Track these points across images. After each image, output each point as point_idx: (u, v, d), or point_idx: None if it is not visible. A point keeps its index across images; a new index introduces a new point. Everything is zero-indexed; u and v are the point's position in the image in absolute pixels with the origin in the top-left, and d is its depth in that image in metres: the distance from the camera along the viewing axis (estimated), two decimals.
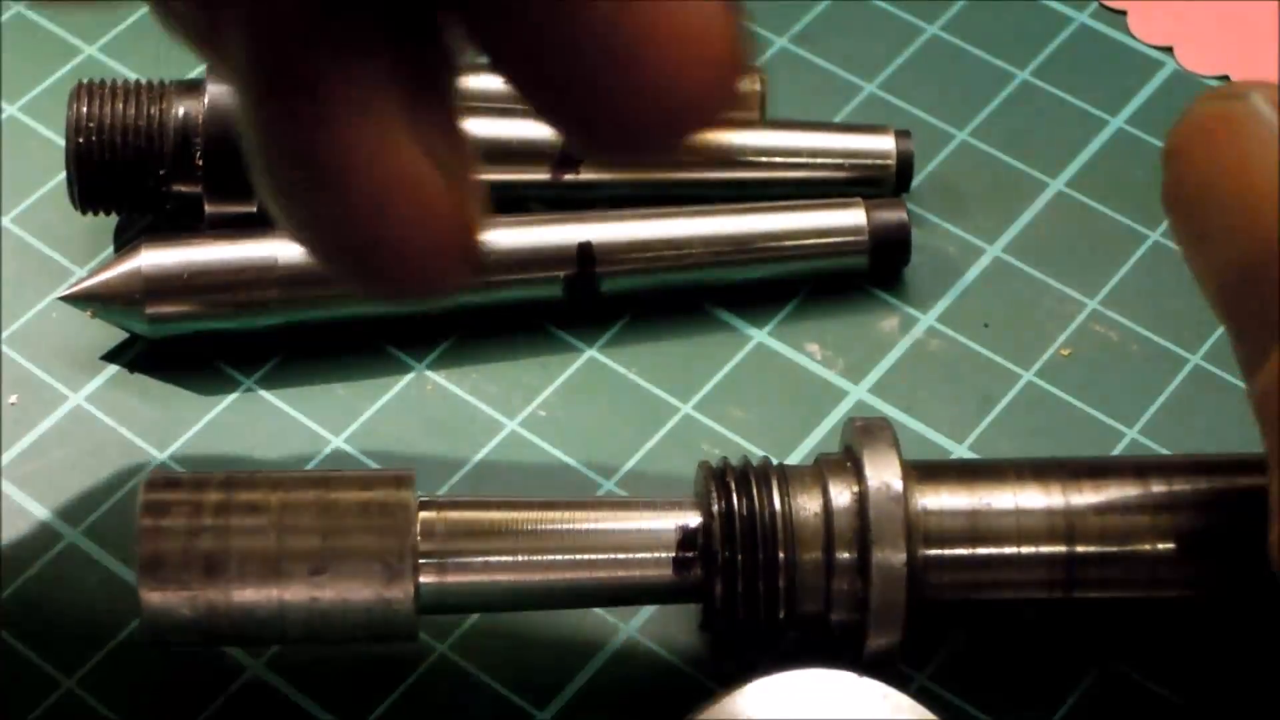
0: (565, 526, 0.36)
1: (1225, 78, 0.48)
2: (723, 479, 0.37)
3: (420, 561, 0.35)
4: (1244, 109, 0.32)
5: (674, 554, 0.36)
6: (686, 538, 0.36)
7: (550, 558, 0.36)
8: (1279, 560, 0.31)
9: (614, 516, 0.36)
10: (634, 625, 0.39)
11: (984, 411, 0.42)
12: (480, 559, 0.36)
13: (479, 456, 0.41)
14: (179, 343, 0.42)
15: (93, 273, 0.42)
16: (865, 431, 0.37)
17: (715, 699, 0.34)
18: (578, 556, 0.36)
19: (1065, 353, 0.43)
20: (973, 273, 0.44)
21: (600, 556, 0.36)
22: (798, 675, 0.34)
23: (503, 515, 0.36)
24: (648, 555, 0.36)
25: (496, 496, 0.37)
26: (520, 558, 0.36)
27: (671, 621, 0.39)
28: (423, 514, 0.36)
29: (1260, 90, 0.32)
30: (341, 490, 0.36)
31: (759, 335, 0.43)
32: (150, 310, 0.41)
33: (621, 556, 0.36)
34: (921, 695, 0.37)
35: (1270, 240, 0.31)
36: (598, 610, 0.39)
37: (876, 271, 0.44)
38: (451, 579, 0.36)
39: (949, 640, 0.39)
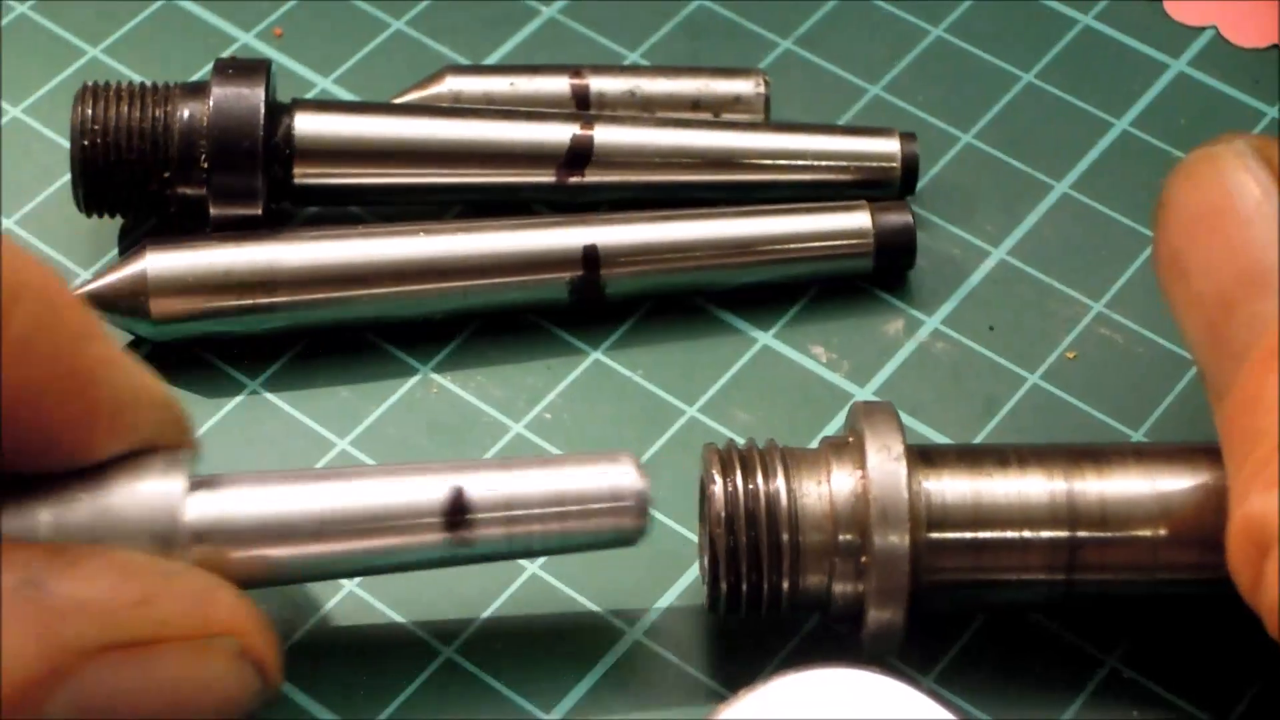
0: (340, 496, 0.36)
1: (1214, 28, 0.48)
2: (727, 460, 0.37)
3: (194, 544, 0.35)
4: (1228, 151, 0.35)
5: (443, 517, 0.36)
6: (455, 500, 0.36)
7: (327, 528, 0.36)
8: (1236, 556, 0.33)
9: (382, 483, 0.36)
10: (640, 628, 0.39)
11: (989, 414, 0.42)
12: (257, 530, 0.36)
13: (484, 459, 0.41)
14: (184, 345, 0.42)
15: (98, 275, 0.42)
16: (869, 415, 0.37)
17: (736, 697, 0.34)
18: (351, 527, 0.36)
19: (1070, 355, 0.43)
20: (978, 275, 0.44)
21: (372, 525, 0.36)
22: (817, 674, 0.34)
23: (280, 488, 0.36)
24: (417, 521, 0.36)
25: (277, 471, 0.37)
26: (299, 535, 0.36)
27: (679, 625, 0.39)
28: (194, 494, 0.35)
29: (1245, 138, 0.35)
30: (112, 470, 0.35)
31: (764, 338, 0.43)
32: (155, 313, 0.41)
33: (390, 523, 0.36)
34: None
35: (1244, 272, 0.34)
36: (604, 613, 0.39)
37: (881, 274, 0.44)
38: (231, 554, 0.36)
39: (955, 643, 0.39)
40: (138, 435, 0.35)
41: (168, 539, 0.35)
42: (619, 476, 0.36)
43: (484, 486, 0.36)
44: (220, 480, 0.36)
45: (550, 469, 0.36)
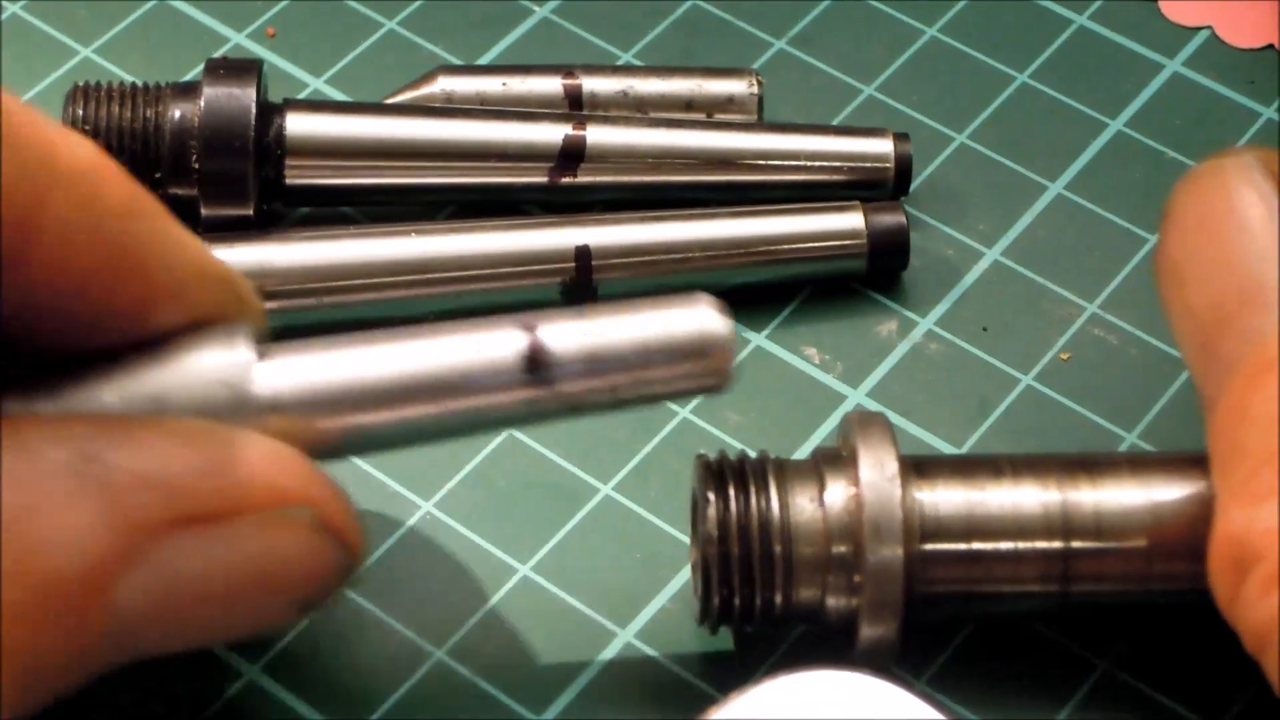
0: (415, 356, 0.35)
1: (1209, 28, 0.48)
2: (719, 473, 0.37)
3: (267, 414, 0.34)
4: (1234, 164, 0.35)
5: (523, 373, 0.34)
6: (534, 353, 0.34)
7: (405, 391, 0.34)
8: (1216, 571, 0.33)
9: (456, 340, 0.35)
10: (631, 630, 0.39)
11: (983, 416, 0.42)
12: (333, 397, 0.34)
13: (475, 461, 0.41)
14: None
15: None
16: (862, 425, 0.37)
17: (727, 700, 0.33)
18: (429, 388, 0.34)
19: (1064, 357, 0.43)
20: (971, 276, 0.44)
21: (451, 385, 0.34)
22: (809, 677, 0.33)
23: (351, 351, 0.35)
24: (497, 378, 0.34)
25: (344, 335, 0.35)
26: (376, 400, 0.34)
27: (670, 626, 0.39)
28: (264, 362, 0.34)
29: (1254, 151, 0.35)
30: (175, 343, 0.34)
31: (757, 339, 0.43)
32: None
33: (470, 382, 0.34)
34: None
35: (1240, 285, 0.34)
36: (596, 616, 0.39)
37: (875, 275, 0.43)
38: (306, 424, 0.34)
39: (948, 646, 0.38)
40: (199, 311, 0.33)
41: (239, 409, 0.33)
42: (705, 320, 0.34)
43: (563, 337, 0.34)
44: (287, 348, 0.34)
45: (628, 315, 0.35)
